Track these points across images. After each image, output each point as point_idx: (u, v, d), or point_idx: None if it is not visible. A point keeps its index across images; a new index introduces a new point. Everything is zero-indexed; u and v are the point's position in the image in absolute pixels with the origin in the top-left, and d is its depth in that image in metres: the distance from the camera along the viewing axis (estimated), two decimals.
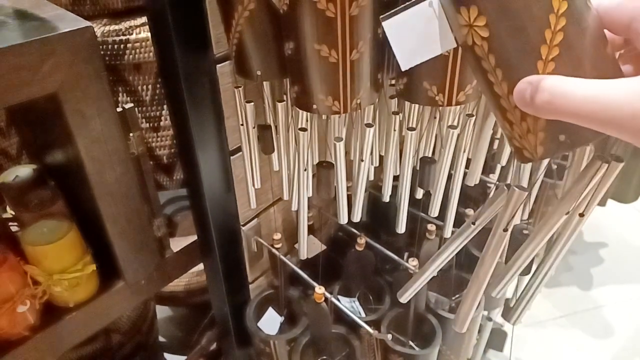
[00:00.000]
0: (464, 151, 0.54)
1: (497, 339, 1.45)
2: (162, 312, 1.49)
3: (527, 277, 1.23)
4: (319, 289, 0.60)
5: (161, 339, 1.43)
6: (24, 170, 0.73)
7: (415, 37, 0.30)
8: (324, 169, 0.50)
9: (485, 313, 1.03)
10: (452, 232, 0.72)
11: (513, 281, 0.51)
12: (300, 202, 0.56)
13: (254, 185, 0.62)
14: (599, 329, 1.72)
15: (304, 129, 0.50)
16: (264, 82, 0.53)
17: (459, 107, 0.51)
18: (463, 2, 0.26)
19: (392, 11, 0.30)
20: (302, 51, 0.43)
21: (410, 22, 0.30)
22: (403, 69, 0.31)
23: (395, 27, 0.30)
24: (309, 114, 0.51)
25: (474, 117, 0.53)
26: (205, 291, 1.32)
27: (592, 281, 1.90)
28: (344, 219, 0.56)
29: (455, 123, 0.52)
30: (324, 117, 0.54)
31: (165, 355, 1.39)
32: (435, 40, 0.30)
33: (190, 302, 1.39)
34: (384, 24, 0.30)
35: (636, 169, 1.47)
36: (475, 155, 0.59)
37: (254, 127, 0.56)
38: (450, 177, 0.60)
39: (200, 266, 1.36)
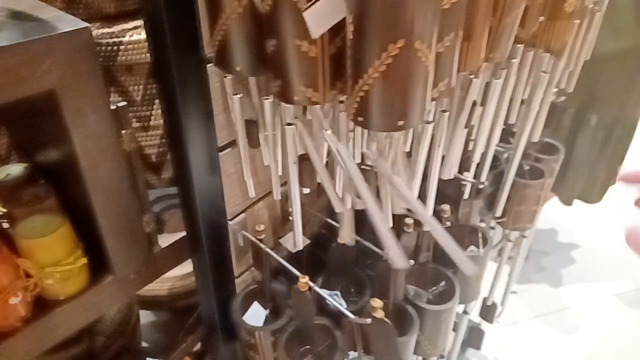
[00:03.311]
0: (439, 146, 0.58)
1: (475, 338, 1.50)
2: (145, 317, 1.49)
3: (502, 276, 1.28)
4: (303, 278, 0.63)
5: (144, 343, 1.43)
6: (15, 169, 0.74)
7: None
8: (305, 160, 0.54)
9: (462, 307, 1.07)
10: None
11: None
12: (293, 194, 0.59)
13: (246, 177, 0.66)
14: (572, 328, 1.78)
15: (290, 124, 0.53)
16: (250, 78, 0.56)
17: (433, 102, 0.55)
18: None
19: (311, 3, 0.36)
20: (283, 47, 0.47)
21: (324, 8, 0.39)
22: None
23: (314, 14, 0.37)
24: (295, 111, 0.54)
25: (447, 113, 0.57)
26: (189, 295, 1.33)
27: (565, 281, 1.96)
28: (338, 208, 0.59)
29: (430, 118, 0.56)
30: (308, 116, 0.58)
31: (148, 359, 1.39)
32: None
33: (174, 306, 1.39)
34: (304, 14, 0.36)
35: (600, 169, 1.54)
36: (450, 150, 0.64)
37: (241, 120, 0.60)
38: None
39: (185, 269, 1.38)
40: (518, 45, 0.70)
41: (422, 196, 0.70)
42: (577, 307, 1.86)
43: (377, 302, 0.60)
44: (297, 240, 0.63)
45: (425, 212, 0.51)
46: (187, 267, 1.33)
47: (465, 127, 0.69)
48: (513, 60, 0.68)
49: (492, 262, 1.31)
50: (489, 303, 1.36)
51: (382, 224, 0.48)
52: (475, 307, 1.39)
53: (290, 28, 0.45)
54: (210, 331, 0.86)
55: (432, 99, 0.49)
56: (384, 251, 0.70)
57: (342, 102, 0.52)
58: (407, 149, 0.58)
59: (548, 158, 1.12)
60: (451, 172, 0.66)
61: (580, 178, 1.56)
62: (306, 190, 0.61)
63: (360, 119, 0.45)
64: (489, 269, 1.30)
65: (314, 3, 0.42)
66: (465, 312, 1.07)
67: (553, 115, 1.47)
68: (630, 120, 1.48)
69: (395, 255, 0.47)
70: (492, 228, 1.20)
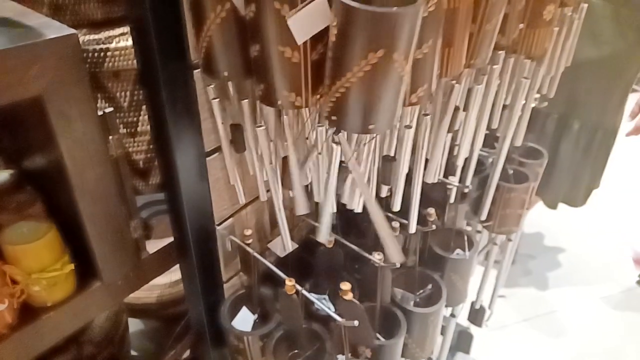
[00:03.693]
0: (422, 148, 0.59)
1: (464, 342, 1.51)
2: (134, 325, 1.49)
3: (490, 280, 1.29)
4: (290, 281, 0.64)
5: (133, 352, 1.43)
6: (1, 175, 0.74)
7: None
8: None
9: (450, 310, 1.08)
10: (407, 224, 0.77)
11: None
12: (276, 195, 0.60)
13: (234, 181, 0.66)
14: (559, 331, 1.80)
15: (260, 126, 0.55)
16: (229, 82, 0.57)
17: (417, 108, 0.57)
18: None
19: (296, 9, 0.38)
20: (267, 53, 0.48)
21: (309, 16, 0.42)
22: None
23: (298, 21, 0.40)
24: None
25: (429, 116, 0.58)
26: (177, 303, 1.33)
27: (552, 285, 1.99)
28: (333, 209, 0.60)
29: (411, 123, 0.57)
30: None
31: None
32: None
33: (163, 314, 1.39)
34: (288, 21, 0.37)
35: (584, 173, 1.57)
36: (433, 154, 0.65)
37: (222, 123, 0.61)
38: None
39: (173, 277, 1.38)
40: (499, 52, 0.72)
41: (407, 199, 0.72)
42: (564, 310, 1.88)
43: (346, 286, 0.63)
44: (285, 242, 0.63)
45: (376, 207, 0.52)
46: (175, 274, 1.33)
47: (449, 132, 0.70)
48: (494, 67, 0.70)
49: (480, 266, 1.33)
50: (477, 307, 1.37)
51: (381, 220, 0.49)
52: (463, 311, 1.40)
53: (274, 34, 0.46)
54: (199, 337, 0.86)
55: (411, 104, 0.50)
56: (371, 253, 0.71)
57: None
58: (392, 153, 0.60)
59: (532, 162, 1.14)
60: (436, 175, 0.67)
61: (564, 182, 1.58)
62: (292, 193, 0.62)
63: (333, 117, 0.46)
64: (476, 272, 1.32)
65: (298, 10, 0.43)
66: (452, 315, 1.08)
67: (537, 120, 1.49)
68: (611, 125, 1.51)
69: (393, 250, 0.49)
70: (479, 232, 1.21)
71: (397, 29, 0.40)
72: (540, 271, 2.04)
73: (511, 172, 1.09)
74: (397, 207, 0.65)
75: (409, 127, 0.54)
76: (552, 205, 1.66)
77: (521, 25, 0.71)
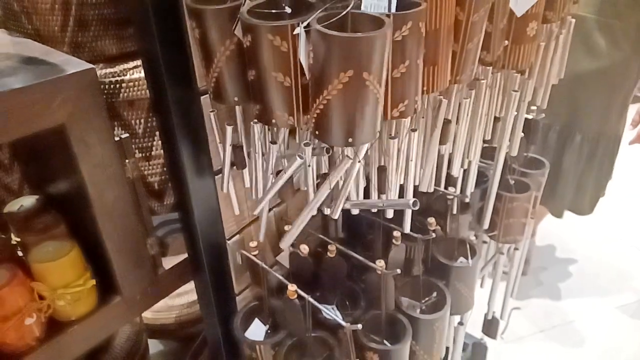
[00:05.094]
0: (411, 160, 0.63)
1: (479, 354, 1.51)
2: (154, 346, 1.52)
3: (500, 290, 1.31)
4: (292, 287, 0.68)
5: None
6: (27, 200, 0.80)
7: None
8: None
9: (458, 318, 1.10)
10: (409, 234, 0.81)
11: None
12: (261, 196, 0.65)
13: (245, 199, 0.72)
14: (577, 342, 1.79)
15: (274, 142, 0.60)
16: (237, 107, 0.63)
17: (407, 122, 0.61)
18: None
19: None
20: (262, 78, 0.53)
21: None
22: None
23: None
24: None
25: (416, 131, 0.63)
26: (195, 323, 1.37)
27: (567, 296, 1.98)
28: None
29: (403, 137, 0.62)
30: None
31: None
32: None
33: (181, 334, 1.43)
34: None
35: (588, 182, 1.59)
36: (426, 165, 0.69)
37: (230, 146, 0.66)
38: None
39: (190, 298, 1.42)
40: (488, 67, 0.77)
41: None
42: (580, 320, 1.87)
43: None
44: (287, 239, 0.67)
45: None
46: (192, 295, 1.38)
47: (443, 144, 0.74)
48: (482, 81, 0.74)
49: (489, 278, 1.35)
50: (489, 317, 1.38)
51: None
52: (477, 324, 1.42)
53: (268, 62, 0.52)
54: (215, 350, 0.90)
55: (393, 118, 0.55)
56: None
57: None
58: (382, 163, 0.64)
59: (534, 172, 1.17)
60: (430, 185, 0.71)
61: (569, 191, 1.60)
62: None
63: (317, 132, 0.52)
64: (486, 284, 1.34)
65: None
66: (460, 324, 1.10)
67: (540, 133, 1.52)
68: (613, 135, 1.54)
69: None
70: (485, 242, 1.24)
71: (363, 51, 0.46)
72: (554, 282, 2.04)
73: (512, 182, 1.12)
74: (389, 214, 0.68)
75: (393, 137, 0.59)
76: (558, 215, 1.67)
77: (506, 42, 0.76)
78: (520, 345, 1.78)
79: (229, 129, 0.65)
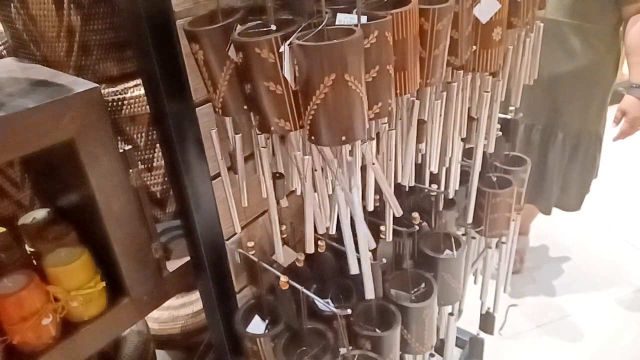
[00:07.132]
0: (390, 160, 0.70)
1: (476, 348, 1.56)
2: (161, 357, 1.57)
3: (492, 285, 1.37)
4: (284, 278, 0.74)
5: None
6: (40, 213, 0.87)
7: None
8: (277, 178, 0.67)
9: (449, 309, 1.16)
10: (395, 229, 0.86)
11: None
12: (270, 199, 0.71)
13: (242, 203, 0.78)
14: (574, 336, 1.83)
15: (264, 147, 0.66)
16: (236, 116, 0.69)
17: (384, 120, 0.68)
18: None
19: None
20: (256, 89, 0.59)
21: None
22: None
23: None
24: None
25: (393, 130, 0.69)
26: (200, 332, 1.42)
27: (563, 291, 2.03)
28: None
29: (381, 136, 0.68)
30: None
31: None
32: None
33: (187, 343, 1.47)
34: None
35: (573, 179, 1.65)
36: (405, 161, 0.75)
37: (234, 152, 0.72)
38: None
39: (195, 308, 1.47)
40: (459, 71, 0.83)
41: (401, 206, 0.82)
42: (577, 314, 1.91)
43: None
44: (277, 252, 0.73)
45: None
46: (197, 305, 1.43)
47: (420, 142, 0.81)
48: (453, 84, 0.81)
49: (481, 275, 1.40)
50: (483, 312, 1.43)
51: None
52: (474, 320, 1.47)
53: (259, 73, 0.58)
54: (219, 349, 0.95)
55: (370, 119, 0.62)
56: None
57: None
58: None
59: (516, 169, 1.24)
60: (410, 179, 0.77)
61: (555, 189, 1.66)
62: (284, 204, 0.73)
63: (312, 137, 0.57)
64: (480, 281, 1.39)
65: None
66: (451, 314, 1.15)
67: (518, 131, 1.59)
68: (594, 132, 1.60)
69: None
70: (473, 238, 1.30)
71: (342, 55, 0.53)
72: (549, 279, 2.08)
73: (495, 179, 1.18)
74: (370, 207, 0.74)
75: (372, 138, 0.65)
76: (547, 212, 1.73)
77: (474, 47, 0.83)
78: (519, 341, 1.82)
79: (238, 137, 0.72)
